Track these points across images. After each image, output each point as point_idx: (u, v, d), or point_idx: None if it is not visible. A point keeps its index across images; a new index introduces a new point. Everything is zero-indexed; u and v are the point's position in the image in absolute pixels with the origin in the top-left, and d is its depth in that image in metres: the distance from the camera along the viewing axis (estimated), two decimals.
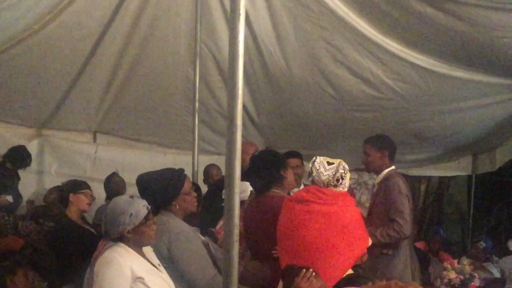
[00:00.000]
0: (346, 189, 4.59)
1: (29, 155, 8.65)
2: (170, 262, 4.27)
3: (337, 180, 4.48)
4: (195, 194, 4.65)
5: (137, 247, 3.95)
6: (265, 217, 4.95)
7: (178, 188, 4.46)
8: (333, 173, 4.48)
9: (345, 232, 4.42)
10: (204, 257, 4.33)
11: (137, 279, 3.81)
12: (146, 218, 3.89)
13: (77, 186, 6.21)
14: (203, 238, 4.70)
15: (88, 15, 6.68)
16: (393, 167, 5.89)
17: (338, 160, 4.58)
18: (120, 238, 3.86)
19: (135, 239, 3.89)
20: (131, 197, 3.97)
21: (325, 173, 4.49)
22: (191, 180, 5.06)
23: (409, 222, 5.53)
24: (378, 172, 5.95)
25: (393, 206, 5.57)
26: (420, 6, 5.30)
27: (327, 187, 4.50)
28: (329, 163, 4.52)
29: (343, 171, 4.50)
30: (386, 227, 5.50)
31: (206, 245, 4.50)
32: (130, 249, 3.88)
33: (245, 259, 5.04)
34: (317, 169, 4.51)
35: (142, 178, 4.59)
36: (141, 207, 3.88)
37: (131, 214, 3.81)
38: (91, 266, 3.86)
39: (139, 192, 4.53)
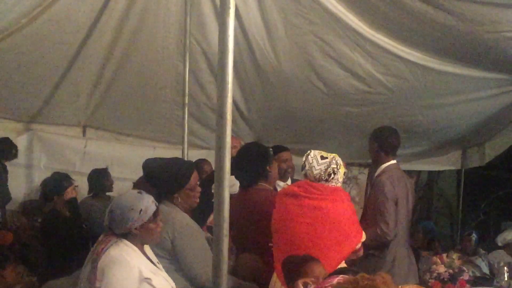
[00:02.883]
0: (339, 184, 4.59)
1: (14, 146, 8.58)
2: (172, 254, 4.25)
3: (329, 175, 4.49)
4: (199, 189, 4.62)
5: (141, 244, 3.90)
6: (253, 210, 4.97)
7: (184, 181, 4.43)
8: (325, 167, 4.49)
9: (335, 227, 4.43)
10: (207, 253, 4.30)
11: (144, 279, 3.75)
12: (155, 214, 3.84)
13: (60, 187, 6.14)
14: (207, 234, 4.70)
15: (77, 8, 6.64)
16: (392, 161, 5.82)
17: (332, 155, 4.58)
18: (125, 235, 3.80)
19: (141, 236, 3.83)
20: (139, 192, 3.90)
21: (317, 167, 4.50)
22: None
23: (391, 226, 5.51)
24: (376, 165, 5.90)
25: (377, 208, 5.57)
26: (410, 0, 5.31)
27: (318, 181, 4.51)
28: (322, 158, 4.53)
29: (335, 166, 4.50)
30: (372, 229, 5.45)
31: (209, 242, 4.48)
32: (134, 247, 3.82)
33: (233, 253, 5.05)
34: (310, 163, 4.52)
35: (150, 163, 4.53)
36: (151, 203, 3.83)
37: (140, 210, 3.75)
38: (92, 262, 3.77)
39: (145, 177, 4.50)
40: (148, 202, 3.82)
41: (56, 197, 6.05)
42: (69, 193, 6.10)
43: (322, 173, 4.48)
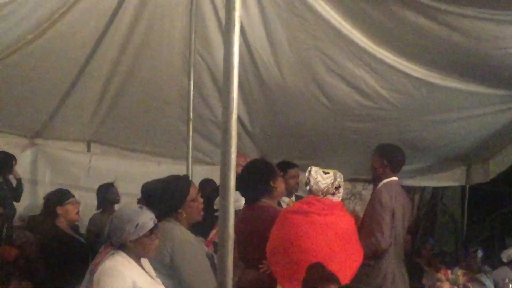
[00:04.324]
0: (340, 199, 4.62)
1: (11, 157, 8.59)
2: (172, 270, 4.25)
3: (336, 188, 4.53)
4: (201, 200, 4.63)
5: (137, 257, 3.92)
6: (256, 226, 4.95)
7: (184, 195, 4.43)
8: (331, 181, 4.53)
9: (345, 241, 4.47)
10: (207, 268, 4.30)
11: None
12: (151, 231, 3.87)
13: (63, 197, 6.15)
14: (207, 249, 4.69)
15: (83, 24, 6.67)
16: (394, 178, 5.92)
17: (332, 170, 4.62)
18: (122, 246, 3.84)
19: (136, 249, 3.87)
20: (140, 207, 3.96)
21: (323, 182, 4.54)
22: None
23: (386, 235, 5.57)
24: (378, 181, 5.98)
25: (373, 218, 5.65)
26: (414, 16, 5.32)
27: (325, 196, 4.53)
28: (325, 173, 4.56)
29: (340, 180, 4.55)
30: (368, 239, 5.51)
31: (210, 257, 4.48)
32: (130, 259, 3.86)
33: (239, 269, 5.04)
34: (315, 178, 4.56)
35: (147, 186, 4.55)
36: (149, 219, 3.86)
37: (137, 224, 3.79)
38: (91, 273, 3.84)
39: (144, 200, 4.51)
40: (146, 218, 3.86)
41: (59, 208, 6.03)
42: (70, 205, 6.08)
43: (330, 187, 4.51)
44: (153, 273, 4.05)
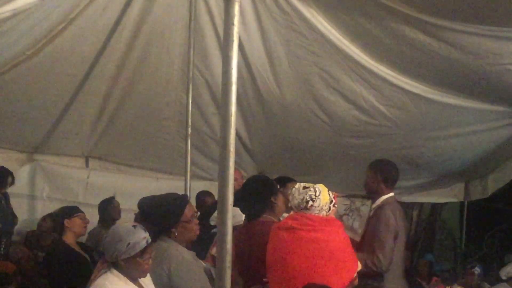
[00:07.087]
0: (323, 213, 4.54)
1: (9, 173, 8.57)
2: None
3: (307, 202, 4.46)
4: (197, 221, 4.59)
5: (129, 276, 3.87)
6: (257, 242, 4.92)
7: (178, 216, 4.38)
8: (303, 196, 4.48)
9: (333, 258, 4.41)
10: (206, 285, 4.28)
11: None
12: (143, 251, 3.80)
13: (71, 211, 6.16)
14: (204, 264, 4.66)
15: (82, 40, 6.67)
16: (391, 194, 5.85)
17: (316, 185, 4.56)
18: (114, 263, 3.81)
19: (127, 269, 3.82)
20: (134, 226, 3.88)
21: (297, 197, 4.50)
22: None
23: (388, 257, 5.49)
24: (374, 198, 5.91)
25: (377, 238, 5.55)
26: (413, 33, 5.34)
27: (300, 211, 4.50)
28: (304, 188, 4.52)
29: (312, 193, 4.47)
30: (368, 257, 5.46)
31: (208, 272, 4.45)
32: (122, 277, 3.82)
33: (238, 286, 5.01)
34: (293, 195, 4.53)
35: (144, 202, 4.52)
36: (141, 239, 3.79)
37: (128, 244, 3.73)
38: None
39: (141, 216, 4.48)
40: (138, 238, 3.79)
41: (67, 221, 6.02)
42: (78, 219, 6.08)
43: (300, 201, 4.48)
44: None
